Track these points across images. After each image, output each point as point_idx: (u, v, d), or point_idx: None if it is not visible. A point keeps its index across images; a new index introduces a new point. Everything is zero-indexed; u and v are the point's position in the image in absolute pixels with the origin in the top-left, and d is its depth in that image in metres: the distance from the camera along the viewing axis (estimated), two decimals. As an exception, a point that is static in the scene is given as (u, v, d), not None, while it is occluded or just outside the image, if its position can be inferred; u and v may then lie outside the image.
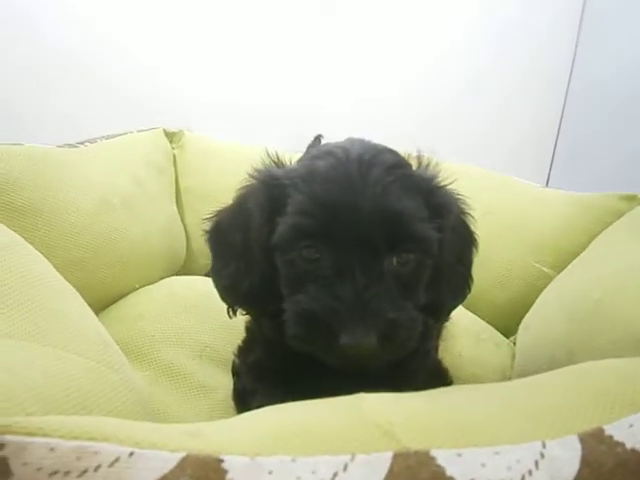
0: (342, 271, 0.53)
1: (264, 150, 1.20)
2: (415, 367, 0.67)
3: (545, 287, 0.90)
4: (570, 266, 0.88)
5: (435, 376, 0.73)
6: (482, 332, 0.91)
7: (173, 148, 1.30)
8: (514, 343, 0.93)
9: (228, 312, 0.65)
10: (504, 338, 0.96)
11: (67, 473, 0.28)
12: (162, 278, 1.03)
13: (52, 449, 0.28)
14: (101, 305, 0.89)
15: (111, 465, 0.28)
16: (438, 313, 0.66)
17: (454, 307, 0.69)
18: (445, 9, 1.78)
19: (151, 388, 0.70)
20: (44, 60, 1.58)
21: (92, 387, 0.46)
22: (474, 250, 0.68)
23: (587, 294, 0.68)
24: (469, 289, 0.68)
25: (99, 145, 1.02)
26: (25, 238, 0.66)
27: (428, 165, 0.65)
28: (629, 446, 0.31)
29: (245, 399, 0.68)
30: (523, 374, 0.75)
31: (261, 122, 1.76)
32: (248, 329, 0.74)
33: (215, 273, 0.65)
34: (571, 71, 1.82)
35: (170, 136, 1.30)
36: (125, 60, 1.64)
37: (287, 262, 0.57)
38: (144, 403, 0.55)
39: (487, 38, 1.81)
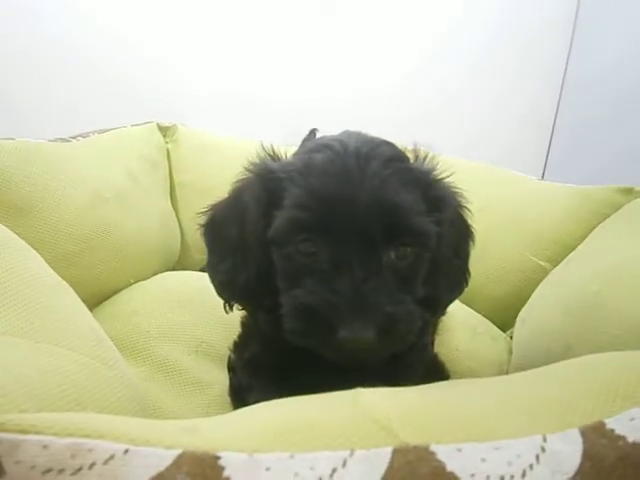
0: (340, 265, 0.53)
1: (259, 144, 1.20)
2: (412, 361, 0.67)
3: (542, 280, 0.90)
4: (567, 259, 0.88)
5: (432, 370, 0.73)
6: (479, 326, 0.91)
7: (167, 142, 1.29)
8: (511, 337, 0.93)
9: (225, 307, 0.65)
10: (501, 332, 0.96)
11: (61, 471, 0.27)
12: (156, 273, 1.02)
13: (45, 447, 0.28)
14: (95, 301, 0.88)
15: (106, 462, 0.28)
16: (435, 307, 0.66)
17: (451, 301, 0.68)
18: (440, 1, 1.78)
19: (146, 384, 0.69)
20: (44, 53, 1.57)
21: (86, 383, 0.46)
22: (471, 243, 0.68)
23: (584, 287, 0.67)
24: (466, 283, 0.68)
25: (92, 139, 1.01)
26: (18, 234, 0.65)
27: (425, 158, 0.64)
28: (631, 440, 0.31)
29: (241, 395, 0.68)
30: (520, 368, 0.75)
31: (256, 116, 1.76)
32: (244, 324, 0.74)
33: (211, 268, 0.65)
34: (567, 63, 1.82)
35: (163, 130, 1.29)
36: (125, 53, 1.64)
37: (284, 256, 0.56)
38: (139, 399, 0.54)
39: (482, 30, 1.81)
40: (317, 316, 0.52)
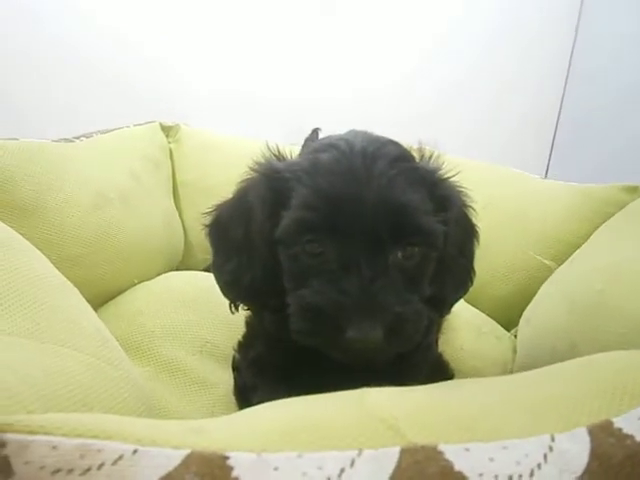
0: (347, 265, 0.53)
1: (262, 143, 1.20)
2: (417, 360, 0.67)
3: (546, 279, 0.90)
4: (571, 258, 0.88)
5: (437, 370, 0.73)
6: (483, 325, 0.91)
7: (169, 142, 1.29)
8: (515, 336, 0.92)
9: (230, 307, 0.65)
10: (505, 331, 0.96)
11: (70, 471, 0.27)
12: (160, 273, 1.02)
13: (54, 447, 0.28)
14: (100, 301, 0.88)
15: (115, 463, 0.28)
16: (441, 306, 0.66)
17: (457, 300, 0.68)
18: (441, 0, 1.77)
19: (151, 384, 0.69)
20: (44, 53, 1.57)
21: (93, 384, 0.46)
22: (475, 242, 0.68)
23: (589, 285, 0.67)
24: (471, 282, 0.68)
25: (95, 140, 1.02)
26: (22, 234, 0.65)
27: (431, 157, 0.64)
28: (638, 438, 0.31)
29: (246, 395, 0.68)
30: (525, 367, 0.75)
31: (257, 115, 1.76)
32: (248, 324, 0.74)
33: (216, 268, 0.65)
34: (570, 62, 1.81)
35: (166, 130, 1.29)
36: (125, 53, 1.64)
37: (291, 256, 0.56)
38: (145, 399, 0.54)
39: (483, 29, 1.81)
40: (324, 316, 0.52)
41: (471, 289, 0.68)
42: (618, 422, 0.32)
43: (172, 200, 1.23)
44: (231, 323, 0.78)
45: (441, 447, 0.30)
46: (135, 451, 0.28)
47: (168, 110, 1.60)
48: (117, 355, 0.55)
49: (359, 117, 1.75)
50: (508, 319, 0.98)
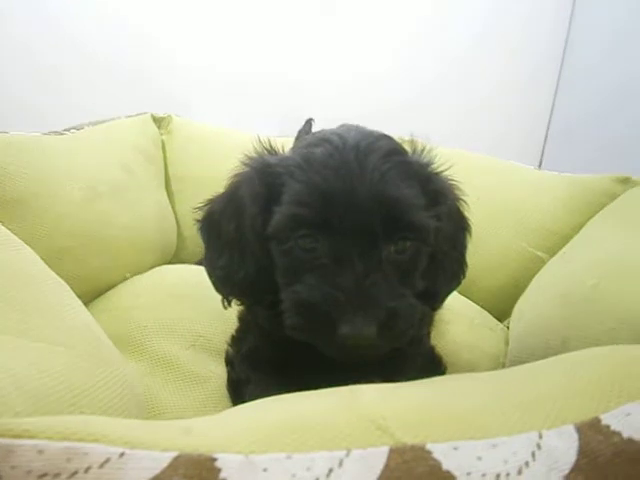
0: (340, 260, 0.53)
1: (255, 135, 1.18)
2: (409, 354, 0.67)
3: (539, 271, 0.90)
4: (563, 250, 0.88)
5: (429, 363, 0.73)
6: (476, 317, 0.91)
7: (161, 134, 1.27)
8: (508, 327, 0.93)
9: (223, 303, 0.65)
10: (498, 322, 0.96)
11: (57, 475, 0.27)
12: (153, 267, 1.02)
13: (41, 451, 0.27)
14: (92, 295, 0.87)
15: (101, 466, 0.27)
16: (433, 300, 0.66)
17: (449, 293, 0.68)
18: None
19: (144, 379, 0.69)
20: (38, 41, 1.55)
21: (82, 382, 0.46)
22: (468, 236, 0.68)
23: (581, 280, 0.67)
24: (464, 275, 0.68)
25: (85, 132, 1.00)
26: (11, 229, 0.65)
27: (423, 151, 0.64)
28: (626, 435, 0.31)
29: (239, 389, 0.68)
30: (517, 361, 0.75)
31: (253, 104, 1.75)
32: (241, 319, 0.74)
33: (209, 264, 0.64)
34: (564, 50, 1.80)
35: (158, 121, 1.28)
36: (118, 39, 1.61)
37: (284, 252, 0.56)
38: (136, 396, 0.54)
39: (478, 17, 1.79)
40: (318, 312, 0.52)
41: (464, 280, 0.68)
42: (606, 419, 0.32)
43: (164, 192, 1.22)
44: (224, 317, 0.77)
45: (429, 446, 0.30)
46: (122, 454, 0.28)
47: (163, 97, 1.59)
48: (108, 352, 0.55)
49: (354, 107, 1.75)
50: (501, 310, 0.98)
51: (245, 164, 0.61)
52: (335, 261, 0.53)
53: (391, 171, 0.55)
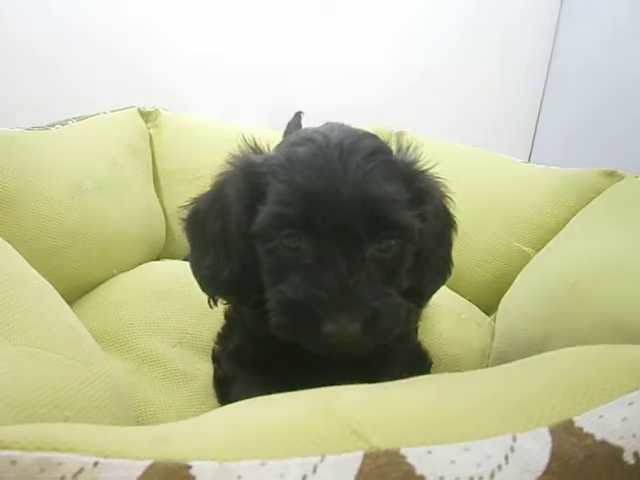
0: (324, 259, 0.53)
1: (242, 128, 1.18)
2: (395, 350, 0.68)
3: (525, 265, 0.91)
4: (548, 245, 0.89)
5: (415, 358, 0.74)
6: (463, 312, 0.91)
7: (149, 127, 1.27)
8: (495, 321, 0.93)
9: (209, 302, 0.65)
10: (485, 316, 0.97)
11: (30, 485, 0.27)
12: (141, 263, 1.02)
13: (14, 462, 0.27)
14: (79, 292, 0.87)
15: (75, 476, 0.27)
16: (419, 297, 0.67)
17: (435, 291, 0.69)
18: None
19: (130, 377, 0.69)
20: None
21: (64, 384, 0.46)
22: (453, 233, 0.68)
23: (563, 276, 0.68)
24: (449, 272, 0.68)
25: (71, 127, 0.99)
26: (-5, 227, 0.64)
27: (408, 149, 0.64)
28: (599, 437, 0.32)
29: (225, 386, 0.69)
30: (501, 355, 0.76)
31: (243, 96, 1.74)
32: (227, 316, 0.74)
33: (194, 263, 0.65)
34: (553, 44, 1.80)
35: (145, 115, 1.27)
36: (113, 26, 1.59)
37: (268, 251, 0.56)
38: (121, 396, 0.54)
39: (469, 11, 1.78)
40: (302, 311, 0.52)
41: (452, 275, 0.69)
42: (579, 421, 0.33)
43: (152, 187, 1.21)
44: (211, 314, 0.77)
45: (404, 451, 0.30)
46: (96, 463, 0.28)
47: (154, 90, 1.58)
48: (92, 353, 0.55)
49: (344, 100, 1.74)
50: (489, 304, 0.98)
51: (230, 163, 0.61)
52: (319, 260, 0.53)
53: (375, 170, 0.55)
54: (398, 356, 0.68)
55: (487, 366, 0.80)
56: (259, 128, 1.31)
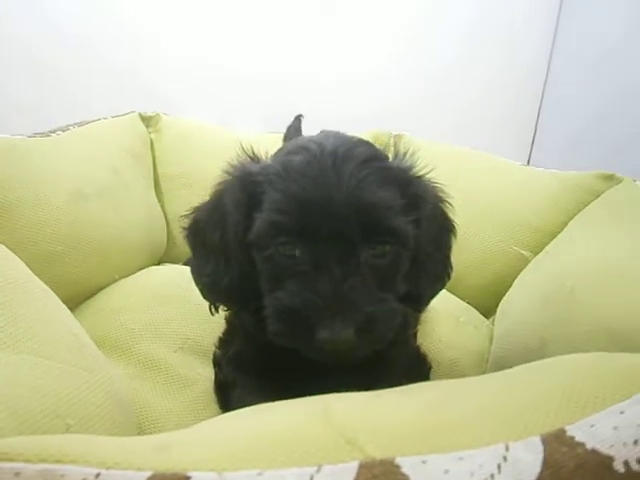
0: (319, 266, 0.54)
1: (243, 133, 1.18)
2: (394, 354, 0.68)
3: (524, 268, 0.91)
4: (546, 249, 0.89)
5: (414, 362, 0.74)
6: (462, 315, 0.92)
7: (150, 132, 1.27)
8: (494, 323, 0.94)
9: (210, 309, 0.66)
10: (484, 319, 0.97)
11: (34, 497, 0.28)
12: (142, 267, 1.02)
13: (18, 474, 0.28)
14: (80, 298, 0.88)
15: (78, 487, 0.28)
16: (418, 302, 0.67)
17: (434, 295, 0.69)
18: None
19: (132, 382, 0.70)
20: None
21: (66, 392, 0.46)
22: (452, 237, 0.68)
23: (561, 281, 0.68)
24: (448, 277, 0.69)
25: (72, 133, 1.00)
26: (-3, 234, 0.65)
27: (405, 155, 0.64)
28: (589, 446, 0.32)
29: (226, 391, 0.69)
30: (499, 360, 0.77)
31: (242, 100, 1.74)
32: (228, 321, 0.75)
33: (195, 271, 0.66)
34: (552, 48, 1.80)
35: (146, 120, 1.28)
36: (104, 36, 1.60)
37: (265, 258, 0.57)
38: (122, 403, 0.55)
39: (469, 16, 1.78)
40: (298, 317, 0.53)
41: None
42: (571, 430, 0.33)
43: (153, 192, 1.22)
44: (212, 319, 0.77)
45: (398, 460, 0.31)
46: (98, 475, 0.29)
47: (153, 95, 1.58)
48: (94, 361, 0.55)
49: (344, 104, 1.75)
50: (487, 306, 0.99)
51: (228, 172, 0.62)
52: (314, 267, 0.54)
53: (369, 177, 0.55)
54: (397, 360, 0.69)
55: (485, 370, 0.81)
56: (259, 132, 1.32)
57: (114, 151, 1.08)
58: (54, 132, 0.97)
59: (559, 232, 0.91)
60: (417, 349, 0.76)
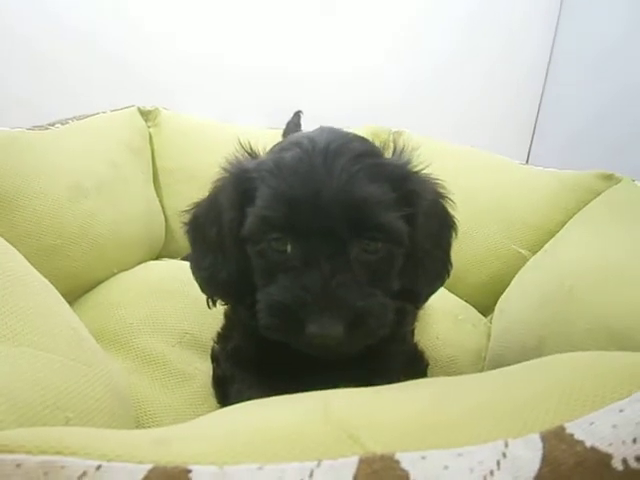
0: (309, 262, 0.54)
1: (242, 127, 1.18)
2: (392, 351, 0.68)
3: (522, 267, 0.91)
4: (545, 247, 0.89)
5: (412, 359, 0.74)
6: (460, 313, 0.92)
7: (149, 127, 1.27)
8: (492, 321, 0.94)
9: (208, 303, 0.67)
10: (482, 317, 0.97)
11: (34, 488, 0.28)
12: (141, 262, 1.02)
13: (19, 465, 0.28)
14: (79, 292, 0.88)
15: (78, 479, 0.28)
16: (415, 299, 0.67)
17: (432, 292, 0.69)
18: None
19: (130, 377, 0.70)
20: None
21: (66, 386, 0.46)
22: (453, 234, 0.68)
23: (559, 280, 0.69)
24: (448, 274, 0.68)
25: (71, 127, 1.00)
26: (-4, 227, 0.65)
27: (403, 151, 0.64)
28: (589, 444, 0.32)
29: (224, 385, 0.69)
30: (497, 357, 0.77)
31: (243, 97, 1.74)
32: (227, 316, 0.75)
33: (194, 265, 0.67)
34: (552, 48, 1.80)
35: (145, 114, 1.27)
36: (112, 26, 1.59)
37: (258, 253, 0.58)
38: (121, 396, 0.55)
39: (468, 13, 1.78)
40: (288, 312, 0.53)
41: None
42: (570, 427, 0.33)
43: (152, 186, 1.22)
44: (210, 314, 0.77)
45: (398, 456, 0.31)
46: (99, 467, 0.29)
47: (152, 89, 1.58)
48: (93, 354, 0.55)
49: (343, 101, 1.74)
50: (485, 304, 0.99)
51: (224, 169, 0.63)
52: (304, 263, 0.54)
53: (360, 173, 0.56)
54: (395, 357, 0.69)
55: (483, 367, 0.81)
56: (258, 128, 1.32)
57: (113, 145, 1.08)
58: (53, 125, 0.96)
59: (558, 231, 0.92)
60: (415, 346, 0.76)
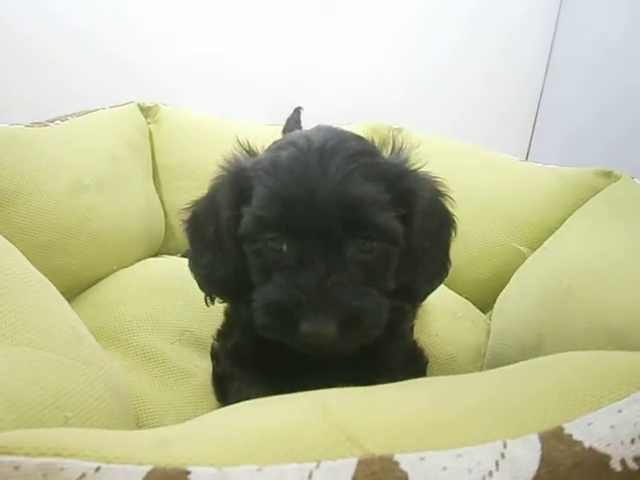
0: (304, 261, 0.54)
1: (242, 124, 1.17)
2: (391, 349, 0.68)
3: (521, 264, 0.91)
4: (544, 245, 0.89)
5: (411, 357, 0.74)
6: (459, 310, 0.92)
7: (148, 123, 1.27)
8: (491, 318, 0.94)
9: (206, 300, 0.67)
10: (481, 314, 0.97)
11: (33, 490, 0.28)
12: (141, 259, 1.02)
13: (17, 467, 0.28)
14: (78, 289, 0.88)
15: (77, 481, 0.28)
16: (414, 297, 0.67)
17: (431, 291, 0.69)
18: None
19: (130, 375, 0.70)
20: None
21: (66, 385, 0.46)
22: (452, 232, 0.68)
23: (559, 280, 0.68)
24: (446, 273, 0.68)
25: (70, 123, 1.00)
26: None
27: (401, 149, 0.64)
28: (587, 444, 0.32)
29: (224, 383, 0.69)
30: (496, 355, 0.77)
31: (243, 91, 1.73)
32: (227, 314, 0.75)
33: (193, 263, 0.67)
34: (551, 47, 1.80)
35: (145, 111, 1.27)
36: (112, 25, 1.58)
37: (255, 252, 0.58)
38: (120, 395, 0.55)
39: (469, 11, 1.77)
40: (283, 311, 0.54)
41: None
42: (568, 428, 0.33)
43: (152, 183, 1.21)
44: (210, 311, 0.77)
45: (397, 457, 0.31)
46: (98, 468, 0.29)
47: (152, 86, 1.57)
48: (92, 353, 0.55)
49: (344, 99, 1.74)
50: (485, 302, 0.99)
51: (222, 168, 0.63)
52: (299, 263, 0.54)
53: (355, 172, 0.55)
54: (394, 355, 0.69)
55: (482, 365, 0.81)
56: (258, 125, 1.32)
57: (113, 141, 1.07)
58: (53, 121, 0.96)
59: (557, 228, 0.92)
60: (414, 344, 0.76)
